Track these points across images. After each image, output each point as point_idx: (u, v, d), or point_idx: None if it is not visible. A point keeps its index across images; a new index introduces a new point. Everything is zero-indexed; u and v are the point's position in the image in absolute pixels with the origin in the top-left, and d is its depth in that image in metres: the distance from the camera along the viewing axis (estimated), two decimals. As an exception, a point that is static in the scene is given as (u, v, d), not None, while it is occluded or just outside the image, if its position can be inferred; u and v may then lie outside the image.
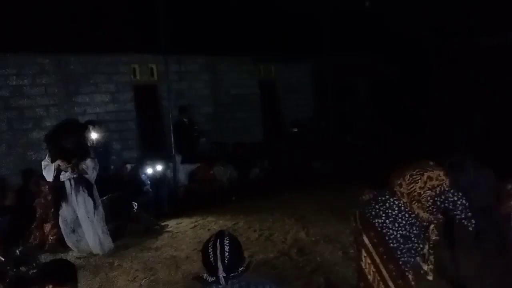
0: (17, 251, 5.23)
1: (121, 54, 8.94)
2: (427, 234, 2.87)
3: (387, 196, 2.87)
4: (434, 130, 10.10)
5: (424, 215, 2.79)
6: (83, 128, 5.90)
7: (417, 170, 2.84)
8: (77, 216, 5.57)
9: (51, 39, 7.56)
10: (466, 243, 3.04)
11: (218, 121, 10.50)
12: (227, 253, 2.07)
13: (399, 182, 2.85)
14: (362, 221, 2.90)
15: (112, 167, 8.21)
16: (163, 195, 7.63)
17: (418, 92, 11.56)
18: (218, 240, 2.12)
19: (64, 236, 5.74)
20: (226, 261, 2.07)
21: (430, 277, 2.89)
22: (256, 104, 11.38)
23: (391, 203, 2.83)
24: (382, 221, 2.80)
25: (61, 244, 5.88)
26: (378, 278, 2.80)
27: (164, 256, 5.52)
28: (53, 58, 8.31)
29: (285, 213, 6.81)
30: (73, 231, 5.65)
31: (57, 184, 5.58)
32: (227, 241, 2.11)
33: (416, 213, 2.79)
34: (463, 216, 2.77)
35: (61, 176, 5.50)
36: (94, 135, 6.12)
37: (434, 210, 2.78)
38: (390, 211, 2.81)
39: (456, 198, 2.76)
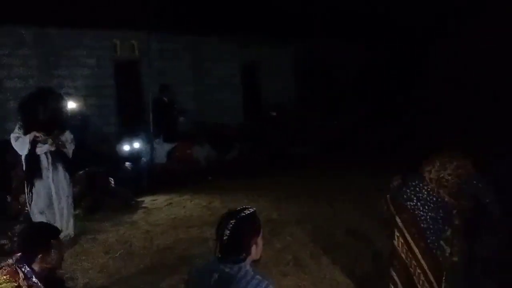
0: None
1: (103, 28, 8.86)
2: (451, 219, 3.15)
3: (416, 182, 3.16)
4: (414, 117, 10.34)
5: (449, 200, 3.09)
6: (60, 97, 5.39)
7: (447, 158, 3.13)
8: (51, 194, 5.04)
9: (33, 10, 7.47)
10: (491, 226, 3.24)
11: (199, 101, 10.54)
12: (226, 236, 2.07)
13: (428, 168, 3.15)
14: (395, 204, 3.21)
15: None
16: (140, 172, 7.71)
17: (401, 80, 11.73)
18: (225, 221, 2.11)
19: (31, 217, 5.07)
20: (224, 243, 2.08)
21: (455, 258, 3.14)
22: (237, 85, 11.44)
23: (421, 187, 3.13)
24: (414, 203, 3.11)
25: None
26: (410, 255, 3.12)
27: (139, 230, 5.63)
28: (34, 29, 8.21)
29: (260, 194, 6.95)
30: (42, 212, 5.01)
31: (31, 158, 4.97)
32: (232, 224, 2.08)
33: (442, 197, 3.09)
34: (487, 200, 3.05)
35: (37, 149, 4.95)
36: (71, 106, 5.81)
37: (459, 195, 3.08)
38: (420, 194, 3.12)
39: (481, 185, 3.06)
